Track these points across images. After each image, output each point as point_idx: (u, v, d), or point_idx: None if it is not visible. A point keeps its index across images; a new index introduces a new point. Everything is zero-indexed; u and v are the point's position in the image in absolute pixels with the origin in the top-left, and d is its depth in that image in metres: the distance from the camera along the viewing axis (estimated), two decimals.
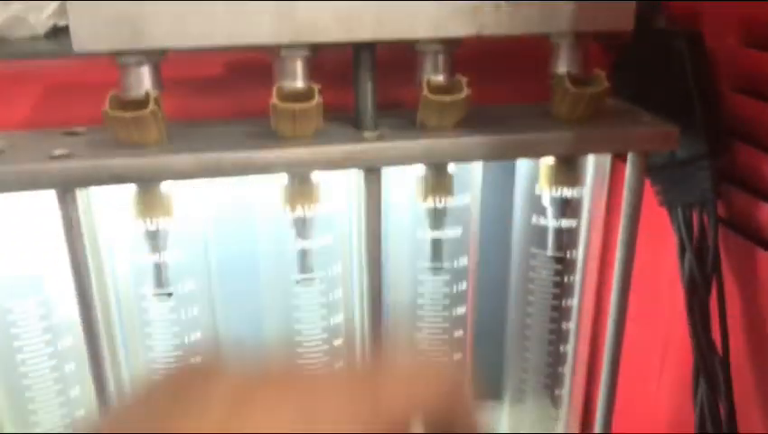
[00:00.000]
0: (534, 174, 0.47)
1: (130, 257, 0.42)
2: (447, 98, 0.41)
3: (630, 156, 0.45)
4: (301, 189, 0.43)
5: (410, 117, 0.44)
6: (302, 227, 0.44)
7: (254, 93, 0.47)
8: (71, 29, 0.37)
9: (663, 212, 0.47)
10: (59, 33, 0.58)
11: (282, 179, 0.43)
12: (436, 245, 0.45)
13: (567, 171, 0.45)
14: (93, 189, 0.40)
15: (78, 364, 0.44)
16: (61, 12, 0.58)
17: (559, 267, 0.47)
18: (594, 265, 0.49)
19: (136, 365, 0.45)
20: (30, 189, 0.38)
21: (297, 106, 0.39)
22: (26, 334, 0.42)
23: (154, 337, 0.43)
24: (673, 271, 0.47)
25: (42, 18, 0.57)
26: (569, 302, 0.48)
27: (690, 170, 0.45)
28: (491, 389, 0.54)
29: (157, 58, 0.40)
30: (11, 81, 0.47)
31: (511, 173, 0.48)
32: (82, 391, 0.45)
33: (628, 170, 0.45)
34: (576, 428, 0.55)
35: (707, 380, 0.45)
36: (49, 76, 0.48)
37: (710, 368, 0.45)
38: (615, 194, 0.48)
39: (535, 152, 0.44)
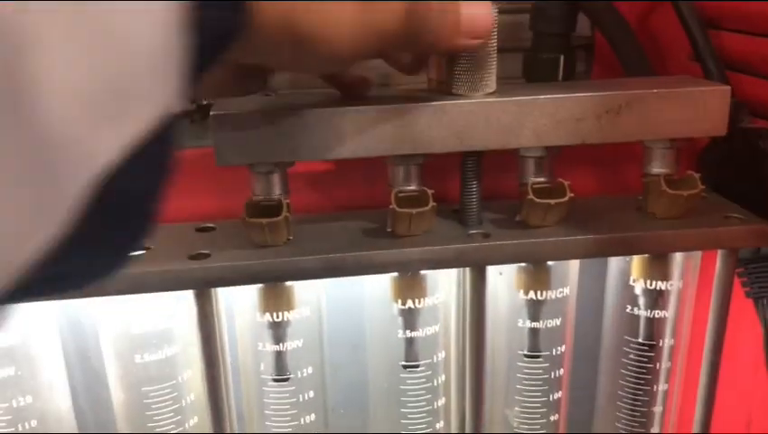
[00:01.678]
0: (626, 266, 0.49)
1: (253, 345, 0.45)
2: (552, 201, 0.44)
3: (721, 252, 0.47)
4: (410, 284, 0.46)
5: (511, 210, 0.47)
6: (409, 318, 0.47)
7: (365, 185, 0.51)
8: (215, 143, 0.41)
9: (750, 302, 0.49)
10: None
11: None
12: (534, 334, 0.48)
13: (660, 265, 0.48)
14: None
15: None
16: None
17: (651, 354, 0.49)
18: (683, 352, 0.51)
19: None
20: (173, 289, 0.42)
21: (415, 211, 0.43)
22: (159, 416, 0.45)
23: (272, 419, 0.46)
24: (759, 359, 0.49)
25: None
26: (658, 387, 0.50)
27: None
28: None
29: (288, 165, 0.43)
30: None
31: (604, 263, 0.51)
32: None
33: (718, 265, 0.47)
34: None
35: None
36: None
37: None
38: (705, 283, 0.50)
39: (633, 251, 0.46)
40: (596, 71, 0.77)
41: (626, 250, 0.46)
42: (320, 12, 0.31)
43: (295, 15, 0.30)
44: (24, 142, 0.17)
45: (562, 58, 0.65)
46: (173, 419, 0.46)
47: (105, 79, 0.19)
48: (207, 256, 0.43)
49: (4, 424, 0.44)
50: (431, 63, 0.51)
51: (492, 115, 0.43)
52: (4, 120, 0.17)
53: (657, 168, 0.47)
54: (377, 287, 0.47)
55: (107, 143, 0.19)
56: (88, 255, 0.22)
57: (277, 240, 0.43)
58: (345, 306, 0.49)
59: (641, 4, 0.66)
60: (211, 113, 0.41)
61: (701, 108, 0.45)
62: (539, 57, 0.66)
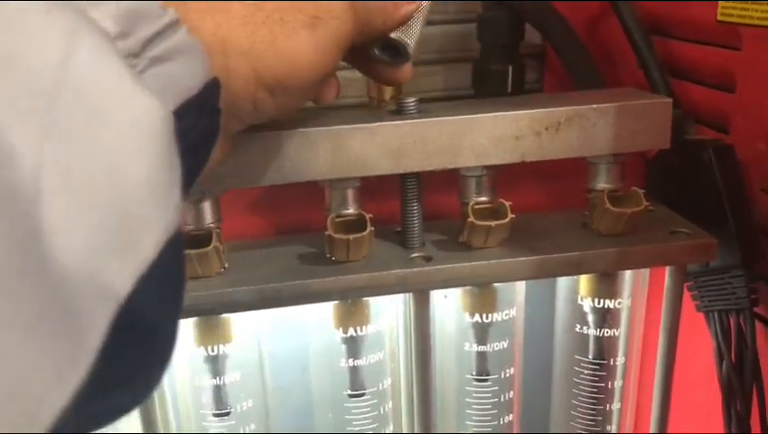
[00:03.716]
0: (574, 284, 0.48)
1: (191, 380, 0.44)
2: (493, 223, 0.43)
3: (668, 268, 0.46)
4: (352, 311, 0.45)
5: (453, 229, 0.46)
6: (352, 345, 0.45)
7: (298, 209, 0.49)
8: None
9: (701, 315, 0.49)
10: None
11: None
12: (482, 357, 0.47)
13: (608, 283, 0.47)
14: None
15: None
16: None
17: (603, 373, 0.48)
18: (635, 369, 0.50)
19: None
20: None
21: (352, 237, 0.41)
22: None
23: None
24: (711, 372, 0.48)
25: None
26: (612, 406, 0.49)
27: (725, 278, 0.47)
28: None
29: (219, 193, 0.42)
30: None
31: (552, 281, 0.50)
32: None
33: (667, 280, 0.47)
34: None
35: None
36: None
37: None
38: (654, 299, 0.49)
39: (579, 270, 0.45)
40: (549, 80, 0.76)
41: (572, 270, 0.45)
42: (278, 55, 0.30)
43: (258, 71, 0.30)
44: (43, 288, 0.17)
45: (510, 69, 0.64)
46: None
47: (109, 213, 0.19)
48: None
49: None
50: (370, 83, 0.50)
51: (429, 135, 0.42)
52: (23, 267, 0.17)
53: (601, 183, 0.46)
54: (318, 315, 0.45)
55: (119, 274, 0.19)
56: (116, 392, 0.21)
57: (209, 271, 0.41)
58: (287, 334, 0.47)
59: (589, 11, 0.65)
60: None
61: (643, 122, 0.44)
62: (488, 68, 0.66)
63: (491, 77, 0.65)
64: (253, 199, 0.49)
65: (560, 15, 0.60)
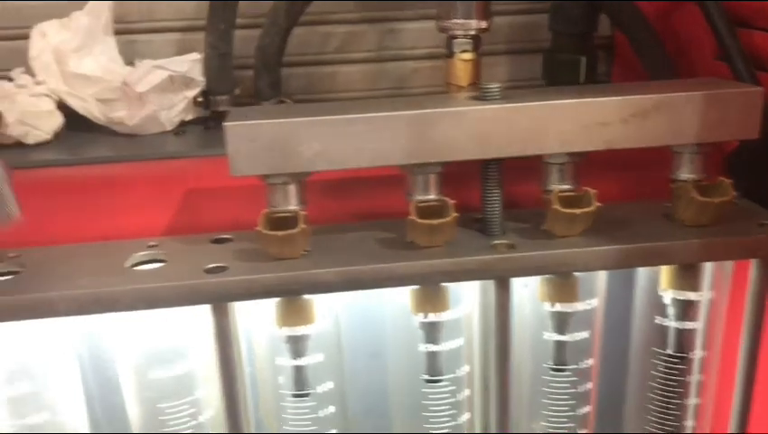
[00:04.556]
0: (655, 276, 0.47)
1: (272, 360, 0.44)
2: (577, 211, 0.42)
3: (754, 261, 0.45)
4: (432, 296, 0.45)
5: (534, 218, 0.46)
6: (431, 331, 0.45)
7: (382, 195, 0.49)
8: (229, 153, 0.40)
9: None
10: (185, 127, 0.62)
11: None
12: (561, 347, 0.46)
13: (690, 275, 0.46)
14: None
15: None
16: (188, 109, 0.62)
17: (682, 366, 0.47)
18: (715, 364, 0.49)
19: None
20: (188, 304, 0.41)
21: (435, 222, 0.41)
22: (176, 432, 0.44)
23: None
24: None
25: (171, 115, 0.61)
26: (689, 401, 0.48)
27: None
28: None
29: (304, 177, 0.42)
30: (148, 182, 0.51)
31: (632, 272, 0.49)
32: None
33: (752, 275, 0.46)
34: None
35: None
36: (183, 176, 0.51)
37: None
38: (738, 293, 0.48)
39: (662, 261, 0.45)
40: (617, 73, 0.75)
41: (655, 260, 0.44)
42: None
43: None
44: None
45: (584, 60, 0.63)
46: None
47: None
48: (224, 269, 0.41)
49: None
50: (450, 68, 0.49)
51: (514, 120, 0.42)
52: None
53: (685, 174, 0.45)
54: (397, 300, 0.45)
55: None
56: None
57: (293, 253, 0.42)
58: (365, 318, 0.47)
59: (663, 2, 0.64)
60: (225, 124, 0.40)
61: (733, 111, 0.43)
62: (560, 58, 0.65)
63: (564, 67, 0.64)
64: (334, 184, 0.50)
65: (634, 4, 0.59)
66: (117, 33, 0.65)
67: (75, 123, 0.62)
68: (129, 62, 0.64)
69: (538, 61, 0.67)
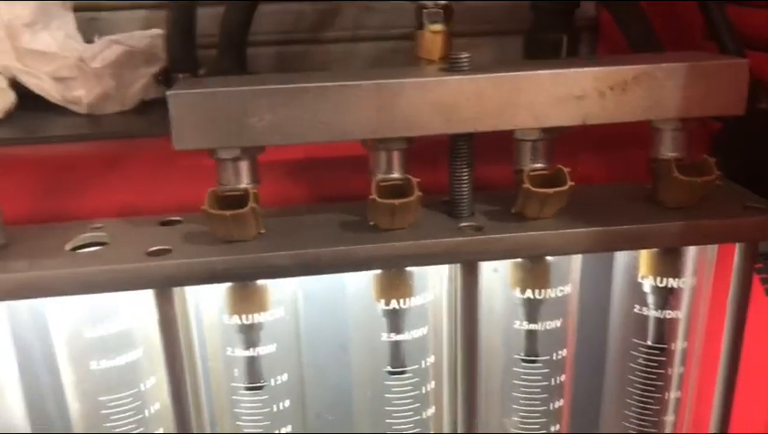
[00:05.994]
0: (634, 262, 0.44)
1: (223, 350, 0.41)
2: (550, 190, 0.39)
3: (739, 246, 0.43)
4: (395, 282, 0.42)
5: (505, 200, 0.43)
6: (394, 319, 0.42)
7: (341, 176, 0.47)
8: (172, 125, 0.37)
9: None
10: (147, 107, 0.59)
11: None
12: (532, 336, 0.44)
13: (672, 260, 0.43)
14: None
15: None
16: (149, 87, 0.59)
17: (662, 358, 0.45)
18: (696, 356, 0.46)
19: None
20: (128, 289, 0.38)
21: (398, 202, 0.38)
22: (119, 427, 0.41)
23: (245, 430, 0.42)
24: None
25: (129, 94, 0.58)
26: (670, 395, 0.46)
27: None
28: None
29: (256, 152, 0.39)
30: (103, 161, 0.48)
31: (610, 258, 0.46)
32: None
33: (736, 260, 0.43)
34: None
35: None
36: (140, 156, 0.49)
37: None
38: (721, 280, 0.45)
39: (641, 244, 0.42)
40: (601, 54, 0.72)
41: (634, 243, 0.41)
42: None
43: None
44: None
45: (565, 38, 0.61)
46: (135, 432, 0.41)
47: None
48: (167, 252, 0.38)
49: None
50: (420, 40, 0.46)
51: (484, 92, 0.39)
52: None
53: (667, 152, 0.42)
54: (359, 286, 0.42)
55: None
56: None
57: (245, 235, 0.39)
58: (325, 305, 0.44)
59: None
60: (167, 92, 0.37)
61: (716, 84, 0.40)
62: (541, 37, 0.62)
63: (545, 46, 0.61)
64: (290, 164, 0.47)
65: None
66: (79, 9, 0.62)
67: (30, 102, 0.59)
68: (90, 40, 0.61)
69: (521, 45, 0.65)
